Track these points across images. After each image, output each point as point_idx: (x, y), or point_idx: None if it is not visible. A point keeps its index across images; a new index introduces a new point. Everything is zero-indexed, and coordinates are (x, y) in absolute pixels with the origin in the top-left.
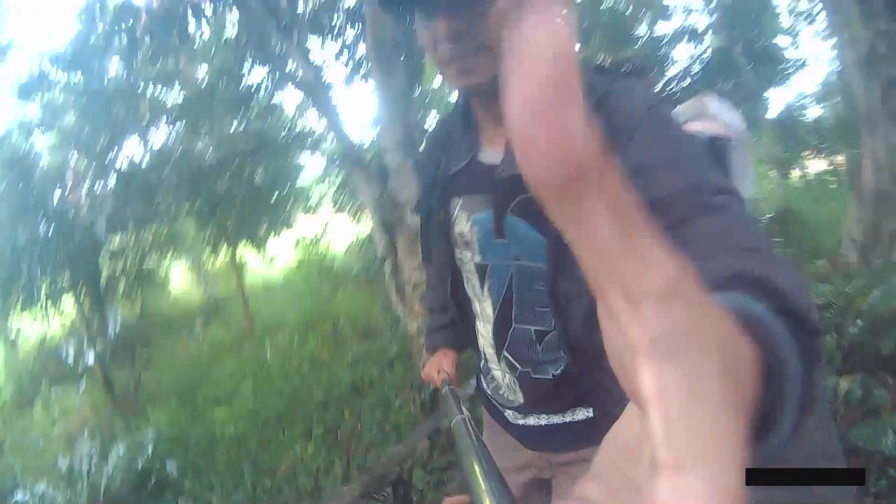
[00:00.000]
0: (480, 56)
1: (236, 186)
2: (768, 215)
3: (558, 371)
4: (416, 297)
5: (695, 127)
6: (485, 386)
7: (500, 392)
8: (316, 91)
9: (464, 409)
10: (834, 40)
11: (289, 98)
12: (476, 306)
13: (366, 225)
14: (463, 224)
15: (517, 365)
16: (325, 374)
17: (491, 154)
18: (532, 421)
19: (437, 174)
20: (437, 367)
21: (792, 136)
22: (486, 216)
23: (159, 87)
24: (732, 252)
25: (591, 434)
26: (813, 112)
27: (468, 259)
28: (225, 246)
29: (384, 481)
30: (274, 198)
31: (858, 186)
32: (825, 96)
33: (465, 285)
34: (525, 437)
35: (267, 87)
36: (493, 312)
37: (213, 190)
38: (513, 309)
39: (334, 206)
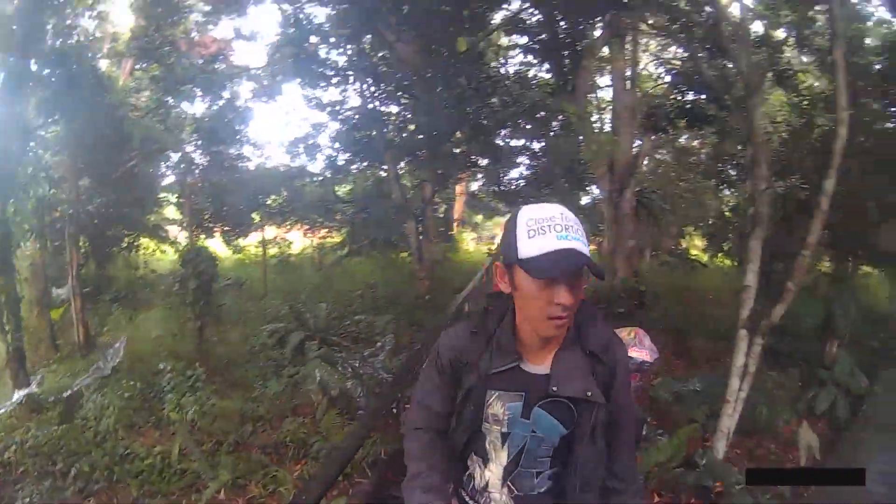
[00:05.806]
0: (569, 320)
1: None
2: None
3: (542, 490)
4: None
5: (633, 353)
6: (471, 498)
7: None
8: None
9: None
10: None
11: None
12: (492, 454)
13: None
14: (497, 408)
15: (514, 490)
16: None
17: (533, 366)
18: None
19: (480, 374)
20: None
21: None
22: (518, 405)
23: None
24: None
25: None
26: None
27: (495, 430)
28: None
29: None
30: None
31: None
32: None
33: (486, 443)
34: None
35: None
36: (507, 459)
37: None
38: (521, 459)
39: None
